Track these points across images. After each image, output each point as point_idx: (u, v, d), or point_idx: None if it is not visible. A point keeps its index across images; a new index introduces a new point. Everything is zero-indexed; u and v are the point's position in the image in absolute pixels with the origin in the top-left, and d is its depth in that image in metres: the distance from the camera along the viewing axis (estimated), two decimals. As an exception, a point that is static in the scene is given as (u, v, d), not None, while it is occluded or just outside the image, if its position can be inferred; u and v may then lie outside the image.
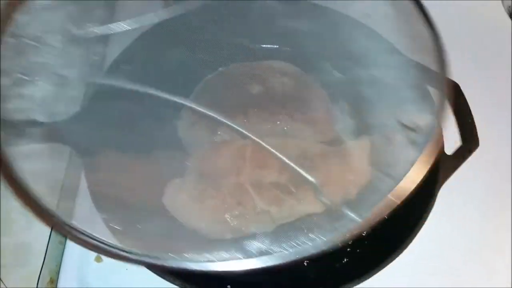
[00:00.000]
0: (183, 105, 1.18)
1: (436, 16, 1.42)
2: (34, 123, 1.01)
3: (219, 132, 1.11)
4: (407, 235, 0.92)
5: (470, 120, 1.05)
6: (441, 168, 0.98)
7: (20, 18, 0.85)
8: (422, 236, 0.92)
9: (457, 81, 1.10)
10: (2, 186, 1.05)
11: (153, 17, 1.11)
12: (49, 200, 1.03)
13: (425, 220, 0.93)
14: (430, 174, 0.98)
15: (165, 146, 1.15)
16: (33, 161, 1.06)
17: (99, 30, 1.05)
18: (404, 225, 0.98)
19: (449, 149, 1.02)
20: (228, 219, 0.99)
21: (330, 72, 1.28)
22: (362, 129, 1.18)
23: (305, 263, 1.01)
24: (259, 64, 1.22)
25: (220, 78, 1.18)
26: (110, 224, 0.91)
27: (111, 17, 1.09)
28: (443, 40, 1.23)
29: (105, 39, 1.26)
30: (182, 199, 1.02)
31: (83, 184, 1.08)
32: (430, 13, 1.33)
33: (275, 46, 1.32)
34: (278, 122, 1.11)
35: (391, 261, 0.90)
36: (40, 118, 1.01)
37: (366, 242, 1.04)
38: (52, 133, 1.02)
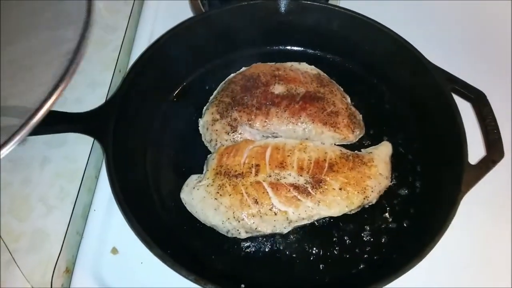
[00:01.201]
0: (205, 103, 1.19)
1: (465, 25, 1.43)
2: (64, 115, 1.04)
3: (240, 131, 1.11)
4: (427, 243, 0.90)
5: (495, 130, 1.03)
6: (464, 178, 0.96)
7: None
8: (442, 245, 0.89)
9: (483, 90, 1.09)
10: (20, 174, 1.06)
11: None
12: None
13: (446, 229, 0.90)
14: (454, 182, 0.97)
15: (185, 142, 1.16)
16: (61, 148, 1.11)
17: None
18: (424, 234, 0.95)
19: (473, 159, 0.99)
20: (244, 217, 0.98)
21: (354, 75, 1.28)
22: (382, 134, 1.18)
23: (321, 267, 1.00)
24: (282, 65, 1.21)
25: (242, 77, 1.18)
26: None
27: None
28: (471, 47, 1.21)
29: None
30: (199, 195, 1.02)
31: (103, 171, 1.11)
32: (460, 20, 1.33)
33: (300, 48, 1.33)
34: (298, 124, 1.11)
35: (409, 269, 0.88)
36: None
37: (384, 249, 1.02)
38: (79, 123, 1.04)
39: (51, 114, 1.04)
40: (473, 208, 1.02)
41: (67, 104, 1.19)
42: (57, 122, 1.04)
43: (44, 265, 0.98)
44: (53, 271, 0.98)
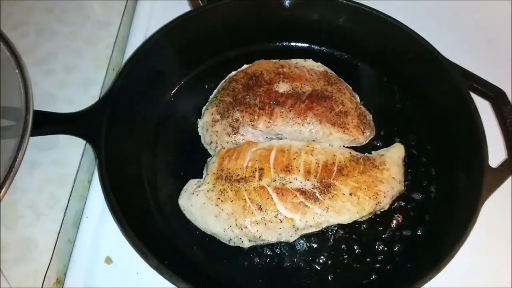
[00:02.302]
0: (204, 102, 1.13)
1: (481, 18, 1.37)
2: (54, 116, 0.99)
3: (242, 132, 1.04)
4: (446, 253, 0.83)
5: (517, 131, 0.96)
6: (485, 181, 0.89)
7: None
8: (462, 255, 0.83)
9: (503, 88, 1.02)
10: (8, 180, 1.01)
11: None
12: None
13: (466, 237, 0.84)
14: (473, 187, 0.91)
15: (183, 144, 1.10)
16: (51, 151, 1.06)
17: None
18: (441, 242, 0.89)
19: (494, 162, 0.93)
20: (247, 225, 0.92)
21: (363, 73, 1.22)
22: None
23: (330, 278, 0.93)
24: (286, 62, 1.15)
25: (244, 75, 1.11)
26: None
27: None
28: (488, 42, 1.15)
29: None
30: (199, 201, 0.95)
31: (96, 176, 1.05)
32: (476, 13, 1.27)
33: (305, 44, 1.27)
34: (305, 124, 1.04)
35: (427, 281, 0.81)
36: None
37: (397, 258, 0.95)
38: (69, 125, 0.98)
39: (39, 114, 1.00)
40: (496, 213, 0.95)
41: (58, 104, 1.14)
42: (46, 123, 0.98)
43: (33, 276, 0.93)
44: (43, 282, 0.92)
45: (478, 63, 1.12)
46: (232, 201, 0.93)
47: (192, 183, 1.00)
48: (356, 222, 0.95)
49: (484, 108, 1.04)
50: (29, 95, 0.85)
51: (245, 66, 1.16)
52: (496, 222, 1.00)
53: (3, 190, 0.76)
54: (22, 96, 0.85)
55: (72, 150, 1.07)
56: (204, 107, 1.12)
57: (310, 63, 1.16)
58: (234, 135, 1.04)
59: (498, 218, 1.00)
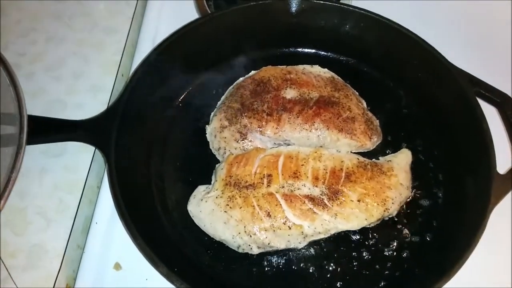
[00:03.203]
0: (212, 108, 1.13)
1: (487, 24, 1.36)
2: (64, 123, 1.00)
3: (250, 139, 1.05)
4: (455, 259, 0.83)
5: (525, 137, 0.96)
6: (493, 188, 0.89)
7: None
8: (471, 262, 0.83)
9: (510, 94, 1.02)
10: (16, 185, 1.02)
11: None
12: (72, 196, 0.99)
13: (476, 244, 0.84)
14: (481, 193, 0.91)
15: (192, 150, 1.11)
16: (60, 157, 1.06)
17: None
18: (450, 248, 0.89)
19: (502, 168, 0.93)
20: (256, 231, 0.92)
21: (370, 78, 1.22)
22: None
23: (339, 285, 0.93)
24: (293, 68, 1.15)
25: (252, 81, 1.12)
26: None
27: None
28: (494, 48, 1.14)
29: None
30: (208, 208, 0.95)
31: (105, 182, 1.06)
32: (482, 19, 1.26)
33: (312, 50, 1.27)
34: (312, 130, 1.04)
35: (436, 288, 0.81)
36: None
37: (405, 265, 0.95)
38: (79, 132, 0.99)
39: (49, 121, 1.00)
40: (505, 221, 0.95)
41: (67, 110, 1.14)
42: (56, 130, 0.99)
43: (43, 282, 0.93)
44: (53, 288, 0.92)
45: (485, 69, 1.12)
46: (240, 207, 0.93)
47: (201, 189, 1.00)
48: (364, 228, 0.95)
49: (490, 114, 1.04)
50: (21, 101, 0.84)
51: (252, 72, 1.16)
52: (500, 228, 0.99)
53: (2, 201, 0.75)
54: (14, 102, 0.85)
55: (81, 156, 1.07)
56: (212, 113, 1.12)
57: (317, 69, 1.16)
58: (242, 141, 1.05)
59: (503, 224, 1.00)
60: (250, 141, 1.05)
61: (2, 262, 0.93)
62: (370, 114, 1.11)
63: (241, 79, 1.16)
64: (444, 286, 0.83)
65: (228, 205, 0.94)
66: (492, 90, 1.04)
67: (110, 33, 1.29)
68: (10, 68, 0.87)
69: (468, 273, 0.85)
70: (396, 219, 1.00)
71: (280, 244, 0.93)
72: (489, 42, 1.34)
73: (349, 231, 0.96)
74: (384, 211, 0.95)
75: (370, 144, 1.07)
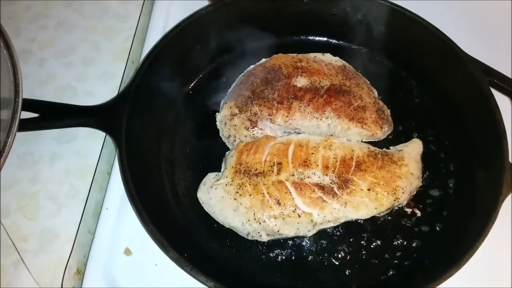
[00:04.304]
0: (222, 96, 1.13)
1: (501, 12, 1.34)
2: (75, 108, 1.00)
3: (260, 127, 1.04)
4: (466, 250, 0.83)
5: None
6: (505, 179, 0.88)
7: None
8: (482, 253, 0.82)
9: (524, 84, 1.01)
10: (28, 171, 1.02)
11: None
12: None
13: (486, 234, 0.83)
14: (492, 184, 0.90)
15: (202, 137, 1.11)
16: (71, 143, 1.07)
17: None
18: (460, 238, 0.89)
19: (513, 158, 0.92)
20: (266, 219, 0.92)
21: (381, 67, 1.21)
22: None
23: (347, 272, 0.94)
24: (305, 56, 1.14)
25: (262, 69, 1.11)
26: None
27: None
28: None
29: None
30: (217, 195, 0.96)
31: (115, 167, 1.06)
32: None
33: (323, 38, 1.26)
34: (323, 119, 1.04)
35: (447, 278, 0.81)
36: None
37: (415, 254, 0.95)
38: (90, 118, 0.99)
39: (61, 107, 1.01)
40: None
41: (78, 97, 1.15)
42: (67, 116, 0.99)
43: (54, 266, 0.94)
44: (64, 273, 0.93)
45: (499, 58, 1.10)
46: (250, 195, 0.93)
47: (211, 176, 1.00)
48: (374, 217, 0.95)
49: (504, 103, 1.03)
50: (17, 75, 0.83)
51: (263, 60, 1.16)
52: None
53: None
54: (10, 75, 0.84)
55: (92, 142, 1.08)
56: (223, 101, 1.12)
57: (328, 57, 1.15)
58: (252, 129, 1.04)
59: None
60: (260, 129, 1.04)
61: (14, 245, 0.94)
62: (381, 103, 1.10)
63: (251, 66, 1.15)
64: (444, 286, 0.83)
65: (238, 192, 0.94)
66: (506, 80, 1.02)
67: (121, 19, 1.29)
68: (2, 28, 0.86)
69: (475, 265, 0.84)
70: (406, 209, 0.99)
71: (290, 232, 0.93)
72: (503, 31, 1.31)
73: (358, 219, 0.96)
74: (394, 200, 0.94)
75: (381, 133, 1.06)
